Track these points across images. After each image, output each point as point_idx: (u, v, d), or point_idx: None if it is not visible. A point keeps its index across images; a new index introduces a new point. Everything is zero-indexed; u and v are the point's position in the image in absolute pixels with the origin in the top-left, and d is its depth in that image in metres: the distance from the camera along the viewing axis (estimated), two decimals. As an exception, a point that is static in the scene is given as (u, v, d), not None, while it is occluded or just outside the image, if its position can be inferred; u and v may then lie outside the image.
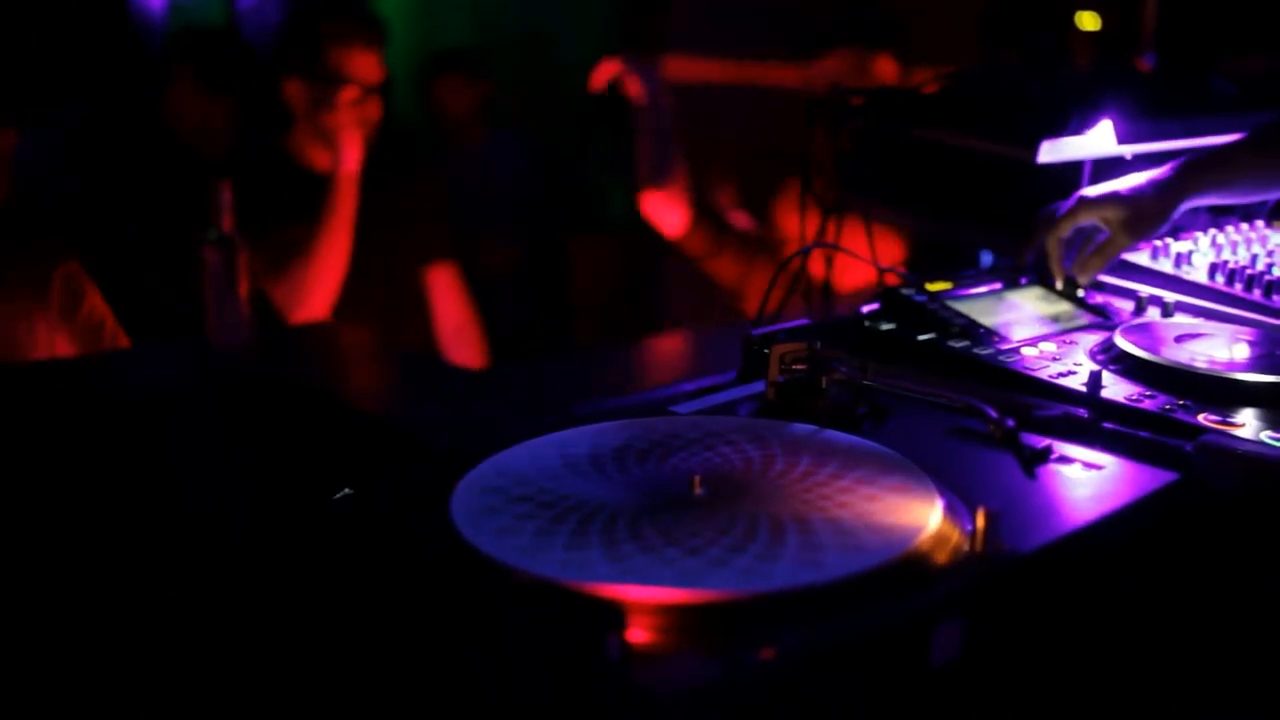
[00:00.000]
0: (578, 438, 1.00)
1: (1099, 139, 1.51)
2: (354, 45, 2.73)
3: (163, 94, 3.11)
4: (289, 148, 2.79)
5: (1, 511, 1.38)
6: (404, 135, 5.19)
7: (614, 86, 2.76)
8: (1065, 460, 1.00)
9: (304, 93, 2.72)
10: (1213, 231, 1.60)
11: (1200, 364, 1.18)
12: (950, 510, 0.87)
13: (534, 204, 4.44)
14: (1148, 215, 1.40)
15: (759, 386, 1.17)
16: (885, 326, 1.32)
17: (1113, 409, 1.10)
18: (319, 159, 2.76)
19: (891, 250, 2.32)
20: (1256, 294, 1.41)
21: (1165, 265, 1.50)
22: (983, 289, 1.42)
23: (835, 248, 1.64)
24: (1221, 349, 1.24)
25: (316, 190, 2.72)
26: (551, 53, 5.71)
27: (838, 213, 1.69)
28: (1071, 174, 1.53)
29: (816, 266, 1.79)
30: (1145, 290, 1.45)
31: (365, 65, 2.74)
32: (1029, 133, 1.46)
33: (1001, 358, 1.23)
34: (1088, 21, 3.47)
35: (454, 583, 0.81)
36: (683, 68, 3.91)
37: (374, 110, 2.74)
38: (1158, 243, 1.55)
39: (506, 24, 6.00)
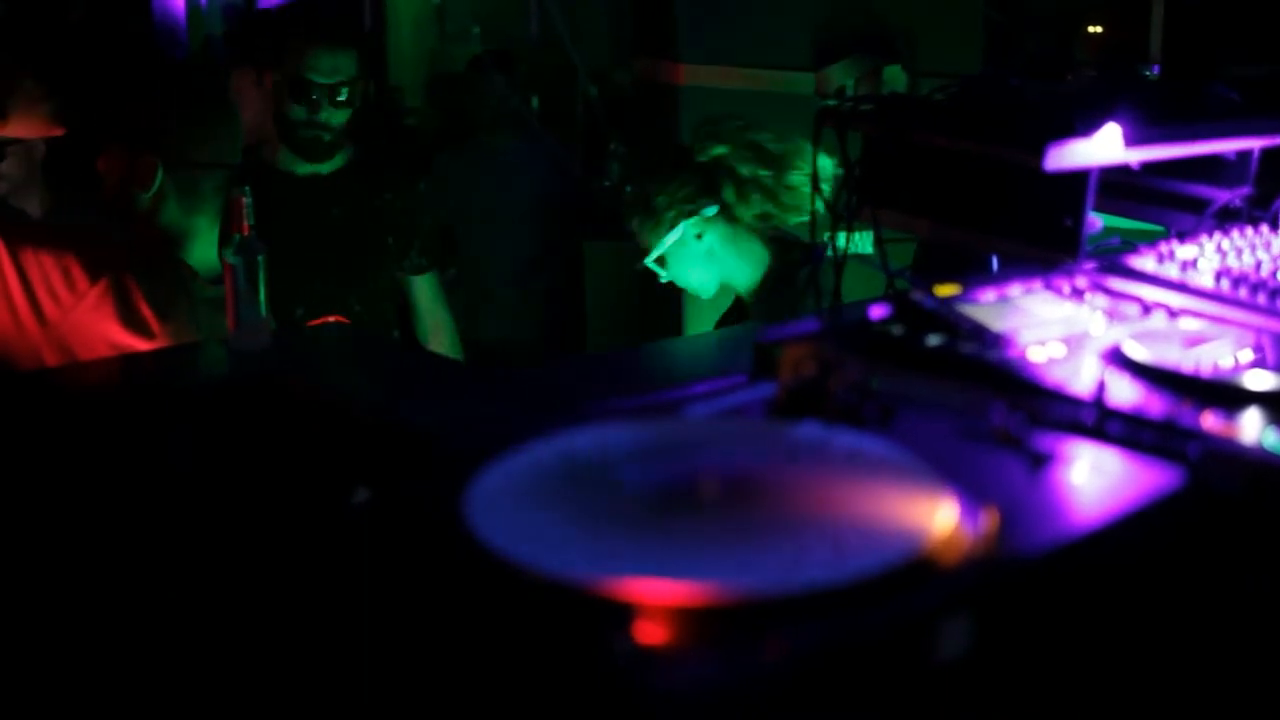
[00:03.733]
0: (590, 438, 1.02)
1: (1107, 144, 1.52)
2: (314, 42, 2.74)
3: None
4: (265, 152, 2.84)
5: (21, 514, 1.40)
6: (413, 137, 5.21)
7: None
8: (1071, 463, 1.02)
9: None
10: (1218, 236, 1.61)
11: (1205, 369, 1.19)
12: (958, 511, 0.89)
13: (549, 207, 4.45)
14: None
15: (770, 389, 1.18)
16: (895, 330, 1.34)
17: (1118, 413, 1.12)
18: (295, 162, 2.81)
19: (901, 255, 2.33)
20: (1262, 299, 1.43)
21: (1171, 270, 1.51)
22: (992, 294, 1.43)
23: (845, 253, 1.65)
24: (1227, 354, 1.26)
25: (295, 195, 2.77)
26: (564, 58, 5.72)
27: (847, 219, 1.71)
28: (1078, 181, 1.54)
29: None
30: (1151, 295, 1.47)
31: (324, 66, 2.74)
32: (1035, 137, 1.48)
33: (1009, 361, 1.24)
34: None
35: (465, 581, 0.83)
36: (696, 74, 3.93)
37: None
38: (1164, 248, 1.56)
39: (519, 29, 6.01)
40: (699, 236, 2.68)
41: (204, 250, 2.20)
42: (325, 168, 2.88)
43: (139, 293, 2.08)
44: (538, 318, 4.37)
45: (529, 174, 4.40)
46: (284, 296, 2.60)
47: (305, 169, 2.86)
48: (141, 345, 2.06)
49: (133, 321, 2.06)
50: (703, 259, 2.70)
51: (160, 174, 2.13)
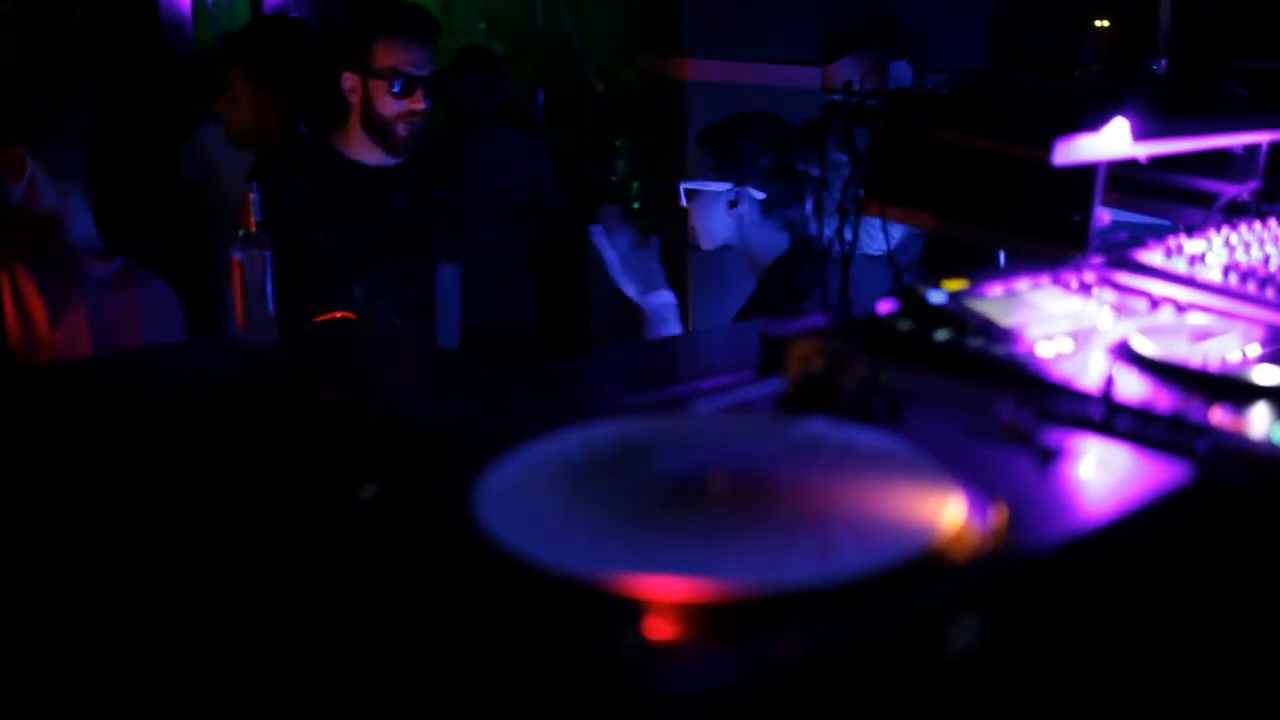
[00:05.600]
0: (597, 435, 1.02)
1: (1114, 138, 1.52)
2: (405, 39, 2.80)
3: (216, 97, 3.12)
4: (339, 143, 2.89)
5: (25, 515, 1.40)
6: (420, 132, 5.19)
7: None
8: (1079, 458, 1.02)
9: (357, 86, 2.81)
10: (1226, 231, 1.61)
11: (1213, 363, 1.19)
12: (966, 506, 0.89)
13: (551, 202, 4.45)
14: None
15: (777, 384, 1.18)
16: (902, 325, 1.34)
17: (1126, 408, 1.12)
18: (368, 154, 2.87)
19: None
20: (1270, 293, 1.43)
21: (1179, 265, 1.51)
22: (999, 288, 1.43)
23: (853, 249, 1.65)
24: (1235, 348, 1.26)
25: (364, 184, 2.84)
26: (571, 53, 5.72)
27: (854, 214, 1.71)
28: (1086, 175, 1.54)
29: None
30: (1159, 290, 1.47)
31: (416, 59, 2.81)
32: (1042, 131, 1.47)
33: (1017, 357, 1.24)
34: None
35: (475, 578, 0.83)
36: (702, 69, 3.93)
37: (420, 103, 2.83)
38: (1171, 243, 1.56)
39: (525, 25, 6.00)
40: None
41: (83, 225, 2.22)
42: (395, 158, 2.94)
43: (32, 284, 2.10)
44: (541, 312, 4.37)
45: (529, 167, 4.39)
46: (344, 277, 2.72)
47: (376, 159, 2.91)
48: (37, 336, 2.08)
49: (23, 316, 2.08)
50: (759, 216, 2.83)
51: (30, 162, 2.14)
